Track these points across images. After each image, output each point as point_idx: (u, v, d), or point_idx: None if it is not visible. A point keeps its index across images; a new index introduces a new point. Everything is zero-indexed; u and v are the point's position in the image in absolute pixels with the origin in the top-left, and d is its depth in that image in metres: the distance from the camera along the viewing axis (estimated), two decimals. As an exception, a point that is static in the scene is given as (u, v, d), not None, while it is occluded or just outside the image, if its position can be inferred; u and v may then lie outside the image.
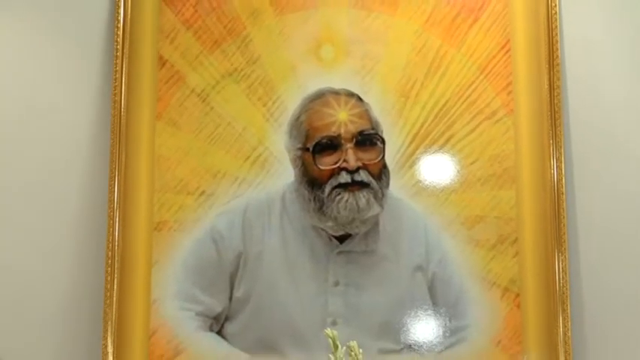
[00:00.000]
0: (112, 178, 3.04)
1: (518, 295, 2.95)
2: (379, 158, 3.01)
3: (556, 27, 2.99)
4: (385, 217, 3.03)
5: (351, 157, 2.99)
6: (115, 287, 3.00)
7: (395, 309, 3.00)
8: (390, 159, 3.02)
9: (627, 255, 2.93)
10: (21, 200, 3.03)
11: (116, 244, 3.01)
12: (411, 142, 3.04)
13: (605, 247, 2.94)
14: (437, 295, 2.99)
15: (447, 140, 3.02)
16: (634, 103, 2.95)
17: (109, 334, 2.98)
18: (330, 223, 2.99)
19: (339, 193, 3.00)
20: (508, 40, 3.07)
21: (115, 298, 3.00)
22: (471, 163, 3.02)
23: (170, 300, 3.01)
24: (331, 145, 3.01)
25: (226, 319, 3.01)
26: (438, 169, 3.02)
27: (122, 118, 3.07)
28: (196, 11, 3.13)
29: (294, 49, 3.12)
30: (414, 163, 3.03)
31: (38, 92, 3.10)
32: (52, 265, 3.00)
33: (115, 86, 3.09)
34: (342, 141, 2.98)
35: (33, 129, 3.07)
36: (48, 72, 3.14)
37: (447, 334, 2.97)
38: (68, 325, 3.01)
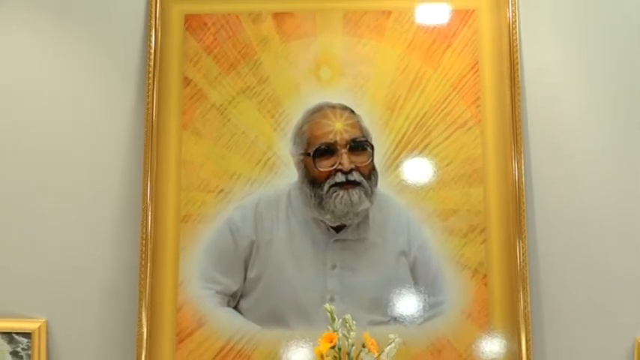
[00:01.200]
0: (145, 179, 3.23)
1: (485, 275, 3.17)
2: (369, 161, 3.22)
3: (516, 51, 3.22)
4: (374, 211, 3.24)
5: (345, 160, 3.21)
6: (148, 270, 3.21)
7: (382, 287, 3.21)
8: (378, 162, 3.24)
9: (576, 241, 3.18)
10: (72, 197, 3.25)
11: (149, 234, 3.21)
12: (395, 148, 3.26)
13: (558, 235, 3.19)
14: (417, 276, 3.21)
15: (426, 146, 3.24)
16: (581, 113, 3.21)
17: (143, 309, 3.18)
18: (328, 216, 3.21)
19: (336, 191, 3.22)
20: (477, 62, 3.29)
21: (148, 279, 3.21)
22: (446, 165, 3.24)
23: (194, 281, 3.21)
24: (329, 150, 3.22)
25: (241, 296, 3.22)
26: (418, 170, 3.24)
27: (153, 128, 3.27)
28: (215, 39, 3.31)
29: (297, 70, 3.32)
30: (398, 165, 3.25)
31: (85, 108, 3.31)
32: (97, 250, 3.23)
33: (148, 102, 3.27)
34: (338, 147, 3.20)
35: (81, 138, 3.28)
36: (94, 91, 3.34)
37: (426, 309, 3.18)
38: (109, 301, 3.23)
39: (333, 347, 2.91)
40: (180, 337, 3.15)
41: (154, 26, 3.30)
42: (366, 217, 3.24)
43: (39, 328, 3.10)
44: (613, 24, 3.28)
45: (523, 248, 3.13)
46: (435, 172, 3.24)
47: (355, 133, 3.23)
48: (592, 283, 3.15)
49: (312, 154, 3.25)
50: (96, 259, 3.24)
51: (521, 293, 3.12)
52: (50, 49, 3.32)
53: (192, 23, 3.30)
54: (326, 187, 3.22)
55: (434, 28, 3.28)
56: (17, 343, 3.12)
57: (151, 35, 3.30)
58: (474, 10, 3.26)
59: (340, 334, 2.92)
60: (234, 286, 3.23)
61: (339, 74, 3.32)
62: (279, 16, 3.28)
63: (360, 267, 3.24)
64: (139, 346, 3.14)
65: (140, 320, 3.18)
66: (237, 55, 3.33)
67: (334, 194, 3.22)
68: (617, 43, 3.25)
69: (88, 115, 3.29)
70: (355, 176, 3.23)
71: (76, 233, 3.25)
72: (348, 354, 2.91)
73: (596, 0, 3.32)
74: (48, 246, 3.26)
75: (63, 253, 3.25)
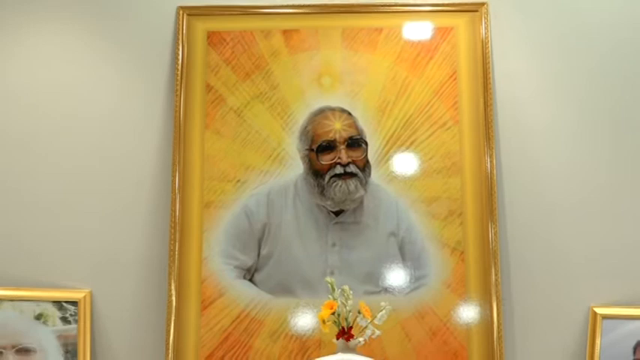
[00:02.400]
0: (174, 171, 3.42)
1: (462, 252, 3.36)
2: (363, 156, 3.41)
3: (489, 63, 3.43)
4: (368, 198, 3.42)
5: (343, 155, 3.40)
6: (177, 248, 3.36)
7: (375, 263, 3.40)
8: (371, 156, 3.42)
9: (539, 223, 3.40)
10: (113, 187, 3.44)
11: (177, 217, 3.38)
12: (386, 144, 3.43)
13: (523, 218, 3.40)
14: (405, 253, 3.40)
15: (412, 143, 3.42)
16: (544, 115, 3.42)
17: (173, 280, 3.34)
18: (328, 202, 3.39)
19: (335, 181, 3.40)
20: (455, 72, 3.46)
21: (176, 256, 3.36)
22: (429, 159, 3.42)
23: (215, 257, 3.39)
24: (329, 146, 3.40)
25: (255, 270, 3.41)
26: (405, 163, 3.41)
27: (181, 128, 3.44)
28: (233, 52, 3.48)
29: (303, 78, 3.51)
30: (388, 159, 3.42)
31: (123, 112, 3.51)
32: (133, 231, 3.42)
33: (176, 106, 3.45)
34: (337, 144, 3.39)
35: (120, 137, 3.48)
36: (130, 97, 3.53)
37: (412, 281, 3.36)
38: (144, 274, 3.40)
39: (333, 313, 3.05)
40: (204, 305, 3.30)
41: (181, 41, 3.45)
42: (361, 203, 3.40)
43: (84, 297, 3.30)
44: (573, 40, 3.47)
45: (494, 229, 3.31)
46: (419, 165, 3.39)
47: (352, 132, 3.40)
48: (552, 259, 3.34)
49: (315, 149, 3.40)
50: (133, 238, 3.41)
51: (492, 267, 3.30)
52: (93, 63, 3.50)
53: (214, 39, 3.46)
54: (327, 177, 3.39)
55: (418, 42, 3.44)
56: (66, 310, 3.30)
57: (178, 49, 3.46)
58: (452, 28, 3.43)
59: (339, 303, 3.05)
60: (249, 261, 3.38)
61: (338, 82, 3.50)
62: (287, 33, 3.45)
63: (356, 245, 3.39)
64: (169, 313, 3.29)
65: (170, 290, 3.34)
66: (252, 66, 3.49)
67: (334, 184, 3.38)
68: (575, 56, 3.45)
69: (126, 118, 3.48)
70: (352, 169, 3.39)
71: (116, 218, 3.42)
72: (346, 319, 3.03)
73: (559, 18, 3.47)
74: (93, 228, 3.43)
75: (105, 234, 3.43)
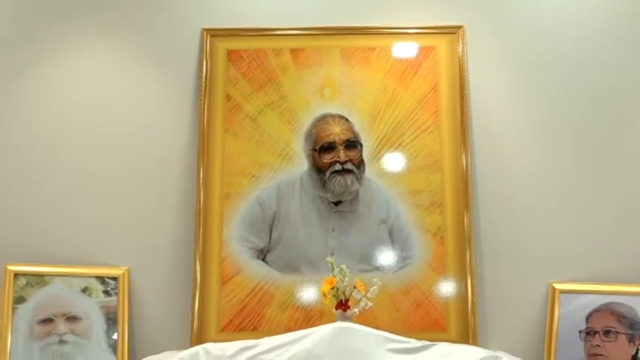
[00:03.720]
0: (198, 167, 3.57)
1: (442, 237, 3.53)
2: (359, 155, 3.57)
3: (465, 77, 3.63)
4: (362, 191, 3.58)
5: (342, 154, 3.56)
6: (201, 232, 3.54)
7: (368, 245, 3.55)
8: (365, 155, 3.59)
9: (507, 212, 3.61)
10: (147, 181, 3.63)
11: (201, 206, 3.56)
12: (377, 146, 3.60)
13: (494, 208, 3.61)
14: (393, 237, 3.55)
15: (399, 144, 3.59)
16: (513, 120, 3.63)
17: (197, 260, 3.51)
18: (329, 194, 3.55)
19: (335, 176, 3.56)
20: (436, 85, 3.62)
21: (200, 239, 3.54)
22: (414, 158, 3.59)
23: (234, 240, 3.55)
24: (330, 147, 3.56)
25: (267, 251, 3.56)
26: (394, 161, 3.59)
27: (205, 131, 3.60)
28: (249, 67, 3.66)
29: (308, 90, 3.66)
30: (379, 158, 3.59)
31: (156, 118, 3.67)
32: (164, 219, 3.62)
33: (200, 112, 3.63)
34: (337, 145, 3.56)
35: (154, 139, 3.66)
36: (162, 106, 3.68)
37: (400, 261, 3.53)
38: (173, 254, 3.59)
39: (332, 288, 3.24)
40: (224, 280, 3.49)
41: (204, 58, 3.62)
42: (357, 195, 3.56)
43: (123, 273, 3.49)
44: (539, 58, 3.64)
45: (469, 217, 3.50)
46: (405, 163, 3.57)
47: (349, 135, 3.56)
48: (518, 242, 3.56)
49: (318, 149, 3.56)
50: (164, 224, 3.62)
51: (467, 250, 3.48)
52: (132, 77, 3.69)
53: (233, 56, 3.62)
54: (328, 173, 3.54)
55: (405, 60, 3.61)
56: (107, 284, 3.48)
57: (202, 65, 3.63)
58: (434, 47, 3.59)
59: (338, 279, 3.23)
60: (262, 244, 3.53)
61: (337, 93, 3.65)
62: (294, 51, 3.62)
63: (352, 231, 3.54)
64: (194, 287, 3.49)
65: (195, 268, 3.51)
66: (265, 79, 3.65)
67: (334, 179, 3.54)
68: (540, 72, 3.64)
69: (159, 123, 3.68)
70: (349, 166, 3.55)
71: (150, 207, 3.63)
72: (344, 293, 3.21)
73: (527, 40, 3.65)
74: (131, 216, 3.62)
75: (141, 220, 3.62)
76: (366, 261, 3.47)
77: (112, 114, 3.63)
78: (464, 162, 3.49)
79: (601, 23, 3.63)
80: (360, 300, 3.20)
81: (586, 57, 3.61)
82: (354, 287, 3.21)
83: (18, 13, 3.68)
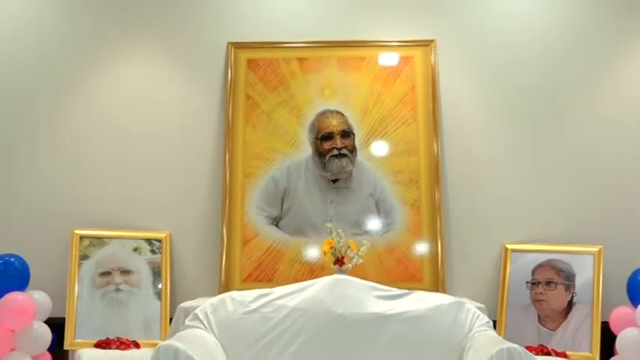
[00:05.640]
0: (224, 153, 3.90)
1: (418, 207, 3.88)
2: (352, 143, 3.91)
3: (436, 80, 3.94)
4: (355, 171, 3.90)
5: (338, 142, 3.90)
6: (227, 203, 3.87)
7: (359, 214, 3.88)
8: (357, 143, 3.91)
9: (469, 186, 3.94)
10: (182, 165, 3.90)
11: (227, 183, 3.87)
12: (367, 135, 3.92)
13: (460, 184, 3.94)
14: (379, 208, 3.89)
15: (384, 134, 3.91)
16: (477, 112, 3.95)
17: (224, 225, 3.84)
18: (328, 174, 3.89)
19: (333, 160, 3.88)
20: (414, 86, 3.95)
21: (227, 209, 3.86)
22: (396, 145, 3.91)
23: (253, 210, 3.88)
24: (329, 136, 3.91)
25: (279, 219, 3.89)
26: (380, 148, 3.91)
27: (230, 124, 3.90)
28: (265, 73, 3.96)
29: (312, 91, 3.94)
30: (368, 145, 3.92)
31: (189, 115, 3.95)
32: (198, 192, 3.93)
33: (226, 110, 3.93)
34: (334, 134, 3.91)
35: (188, 133, 3.95)
36: (194, 105, 3.95)
37: (384, 226, 3.88)
38: (204, 221, 3.89)
39: (331, 248, 3.53)
40: (245, 242, 3.84)
41: (229, 66, 3.94)
42: (350, 174, 3.89)
43: (166, 236, 3.86)
44: (502, 65, 3.95)
45: (439, 192, 3.87)
46: (389, 149, 3.91)
47: (344, 127, 3.91)
48: (479, 211, 3.92)
49: (319, 138, 3.90)
50: (198, 197, 3.95)
51: (438, 217, 3.85)
52: (170, 81, 3.95)
53: (252, 64, 3.95)
54: (327, 157, 3.88)
55: (389, 66, 3.95)
56: (153, 245, 3.83)
57: (227, 71, 3.96)
58: (412, 57, 3.94)
59: (335, 241, 3.53)
60: (275, 213, 3.88)
61: (335, 93, 3.94)
62: (301, 60, 3.96)
63: (347, 202, 3.88)
64: (221, 248, 3.84)
65: (222, 232, 3.86)
66: (277, 82, 3.97)
67: (332, 161, 3.88)
68: (502, 77, 3.95)
69: (191, 119, 4.00)
70: (344, 151, 3.89)
71: (188, 183, 3.92)
72: (340, 252, 3.51)
73: (490, 50, 3.94)
74: (173, 190, 3.87)
75: (180, 194, 3.91)
76: (357, 226, 3.86)
77: (157, 110, 3.99)
78: (435, 148, 3.88)
79: (552, 39, 3.97)
80: (353, 257, 3.53)
81: (538, 65, 3.97)
82: (349, 247, 3.53)
83: (83, 26, 4.04)
